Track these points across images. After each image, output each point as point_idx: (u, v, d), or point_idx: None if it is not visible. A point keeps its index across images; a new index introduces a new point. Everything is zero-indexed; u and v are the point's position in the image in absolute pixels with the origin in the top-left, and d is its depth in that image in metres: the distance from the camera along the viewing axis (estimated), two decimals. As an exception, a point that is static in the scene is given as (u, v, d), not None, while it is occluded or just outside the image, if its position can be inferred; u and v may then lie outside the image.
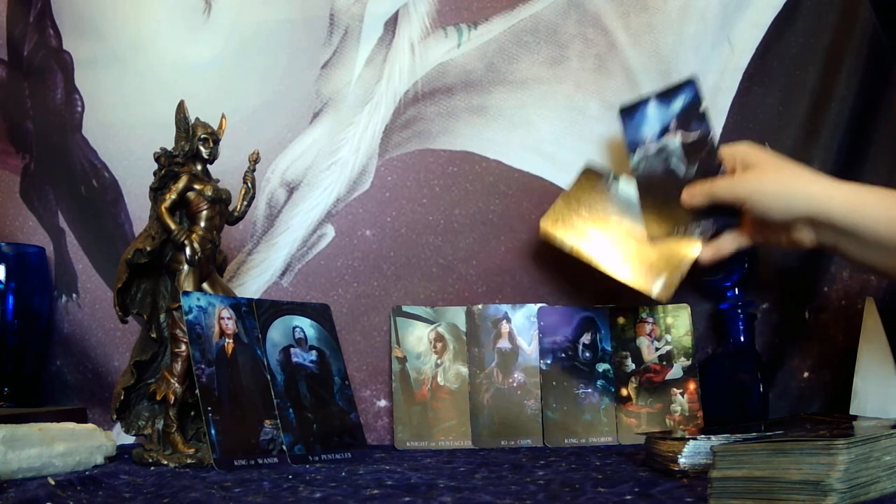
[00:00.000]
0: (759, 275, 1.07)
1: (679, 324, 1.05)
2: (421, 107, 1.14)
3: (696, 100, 0.87)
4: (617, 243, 0.89)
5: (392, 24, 1.15)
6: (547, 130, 1.13)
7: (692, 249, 0.85)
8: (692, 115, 0.86)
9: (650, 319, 1.05)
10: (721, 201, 0.79)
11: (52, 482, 0.70)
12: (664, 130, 0.87)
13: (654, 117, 0.88)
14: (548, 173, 1.12)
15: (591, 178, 0.95)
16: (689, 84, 0.88)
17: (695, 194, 0.80)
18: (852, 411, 0.92)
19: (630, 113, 0.90)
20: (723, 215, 0.81)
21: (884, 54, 1.08)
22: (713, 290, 1.06)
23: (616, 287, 1.10)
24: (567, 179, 1.11)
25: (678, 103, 0.87)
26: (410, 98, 1.14)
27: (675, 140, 0.86)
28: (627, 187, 0.90)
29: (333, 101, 1.15)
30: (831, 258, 1.07)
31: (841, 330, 1.05)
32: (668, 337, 1.04)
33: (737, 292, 1.03)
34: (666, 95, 0.89)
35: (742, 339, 1.02)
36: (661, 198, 0.86)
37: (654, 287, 0.85)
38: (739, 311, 1.02)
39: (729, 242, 0.82)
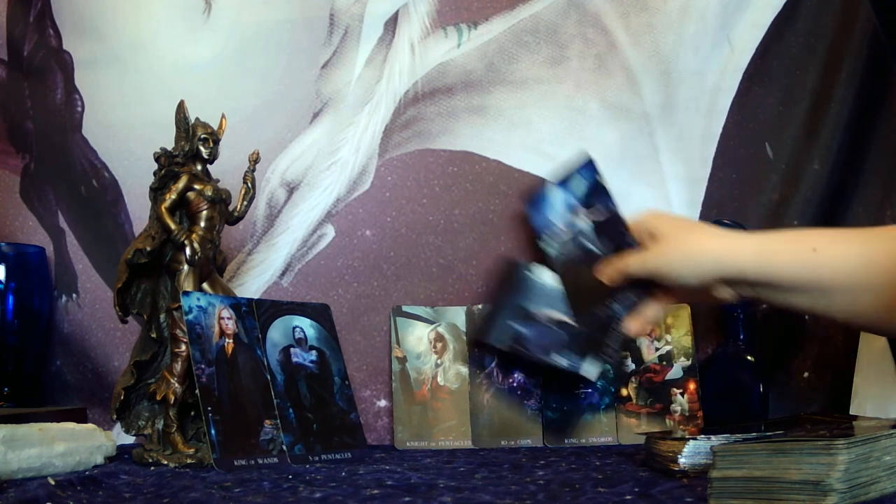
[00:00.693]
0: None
1: (679, 324, 1.05)
2: (421, 107, 1.14)
3: (596, 176, 0.85)
4: (546, 333, 0.83)
5: (392, 24, 1.15)
6: (547, 130, 1.13)
7: (618, 326, 0.81)
8: (594, 192, 0.84)
9: (650, 319, 1.05)
10: (636, 276, 0.78)
11: (52, 482, 0.70)
12: (572, 214, 0.85)
13: (557, 202, 0.85)
14: (548, 173, 1.12)
15: (509, 267, 0.88)
16: (587, 163, 0.86)
17: (609, 273, 0.79)
18: (852, 411, 0.92)
19: (533, 202, 0.86)
20: (642, 286, 0.79)
21: (884, 54, 1.08)
22: (713, 290, 1.06)
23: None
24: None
25: (578, 183, 0.85)
26: (410, 98, 1.14)
27: (583, 222, 0.84)
28: (541, 274, 0.85)
29: (333, 101, 1.15)
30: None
31: (841, 330, 1.05)
32: (668, 337, 1.04)
33: (737, 292, 1.03)
34: (565, 178, 0.86)
35: (742, 339, 1.02)
36: (580, 280, 0.83)
37: (591, 371, 0.80)
38: (739, 311, 1.02)
39: (654, 310, 0.80)
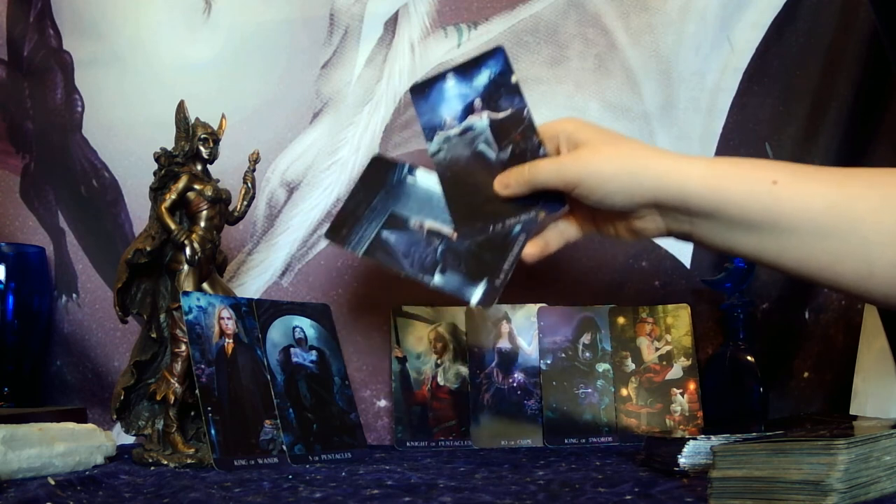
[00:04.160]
0: (759, 275, 1.07)
1: (679, 324, 1.05)
2: (421, 107, 1.14)
3: (504, 71, 0.73)
4: (418, 247, 0.72)
5: (392, 24, 1.15)
6: (547, 130, 1.13)
7: (514, 247, 0.70)
8: (501, 90, 0.72)
9: (650, 319, 1.05)
10: (544, 188, 0.66)
11: (52, 482, 0.70)
12: (468, 110, 0.73)
13: (453, 95, 0.73)
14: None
15: (381, 171, 0.76)
16: (496, 53, 0.73)
17: (510, 182, 0.67)
18: (852, 411, 0.92)
19: (423, 92, 0.73)
20: (547, 203, 0.68)
21: (884, 54, 1.08)
22: (713, 290, 1.06)
23: (616, 287, 1.10)
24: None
25: (482, 77, 0.73)
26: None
27: (481, 120, 0.72)
28: (426, 179, 0.74)
29: (333, 101, 1.15)
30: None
31: (841, 330, 1.05)
32: (668, 337, 1.04)
33: (737, 292, 1.03)
34: (466, 69, 0.73)
35: (742, 339, 1.02)
36: (469, 189, 0.71)
37: (473, 296, 0.69)
38: (739, 311, 1.02)
39: (556, 236, 0.69)
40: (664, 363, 1.04)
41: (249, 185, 0.96)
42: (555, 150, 0.68)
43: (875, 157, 1.10)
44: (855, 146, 1.09)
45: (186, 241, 0.89)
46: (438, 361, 1.05)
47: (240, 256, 1.14)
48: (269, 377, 0.89)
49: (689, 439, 0.72)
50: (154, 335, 0.92)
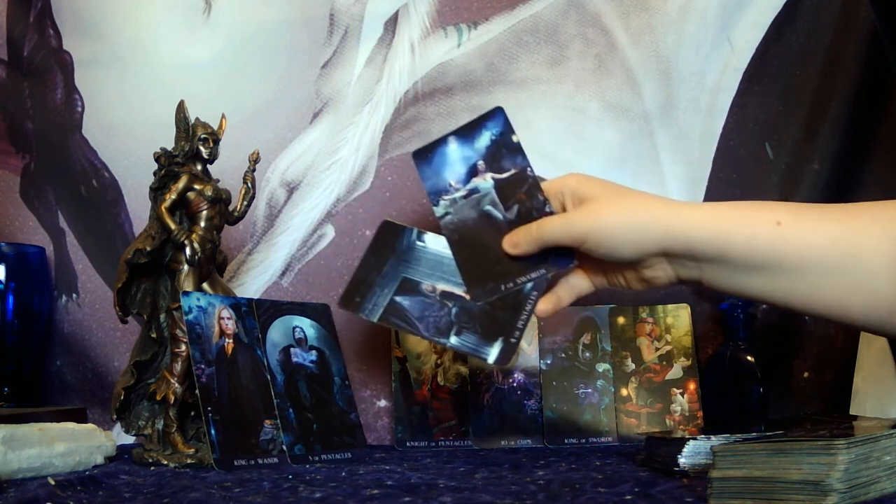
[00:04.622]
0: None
1: (679, 324, 1.05)
2: (421, 107, 1.14)
3: (505, 131, 0.74)
4: (432, 309, 0.73)
5: (392, 24, 1.15)
6: (547, 130, 1.13)
7: (527, 305, 0.71)
8: (503, 150, 0.74)
9: (650, 319, 1.05)
10: (553, 245, 0.67)
11: (52, 482, 0.70)
12: (471, 172, 0.74)
13: (456, 159, 0.74)
14: (548, 173, 1.11)
15: (390, 236, 0.77)
16: (496, 114, 0.75)
17: (518, 241, 0.68)
18: (852, 411, 0.92)
19: (426, 157, 0.74)
20: (557, 260, 0.69)
21: (884, 54, 1.08)
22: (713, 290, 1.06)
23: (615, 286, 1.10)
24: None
25: (484, 139, 0.74)
26: (410, 98, 1.14)
27: (486, 182, 0.73)
28: (436, 243, 0.75)
29: (333, 101, 1.15)
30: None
31: (841, 330, 1.05)
32: (668, 337, 1.04)
33: (737, 292, 1.03)
34: (467, 131, 0.75)
35: (742, 339, 1.02)
36: (478, 250, 0.72)
37: (490, 355, 0.70)
38: (739, 311, 1.02)
39: (568, 291, 0.70)
40: (664, 363, 1.04)
41: (249, 185, 0.96)
42: (560, 206, 0.69)
43: (875, 157, 1.10)
44: (855, 146, 1.09)
45: (186, 241, 0.89)
46: (438, 361, 1.05)
47: (240, 256, 1.14)
48: (269, 377, 0.89)
49: (689, 439, 0.72)
50: (154, 335, 0.92)
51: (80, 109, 1.18)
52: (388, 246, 0.76)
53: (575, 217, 0.66)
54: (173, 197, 0.89)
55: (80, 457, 0.81)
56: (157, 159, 0.91)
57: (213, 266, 0.93)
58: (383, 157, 1.14)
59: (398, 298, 0.73)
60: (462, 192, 0.73)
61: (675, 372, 1.03)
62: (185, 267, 0.90)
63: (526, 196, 0.71)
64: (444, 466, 0.83)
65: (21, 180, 1.19)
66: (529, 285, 0.69)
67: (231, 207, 0.95)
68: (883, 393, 0.90)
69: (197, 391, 0.83)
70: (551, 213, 0.69)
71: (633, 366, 1.04)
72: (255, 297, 1.11)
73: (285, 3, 1.16)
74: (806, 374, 1.07)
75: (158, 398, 0.89)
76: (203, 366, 0.84)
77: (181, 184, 0.90)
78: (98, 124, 1.17)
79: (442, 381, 1.04)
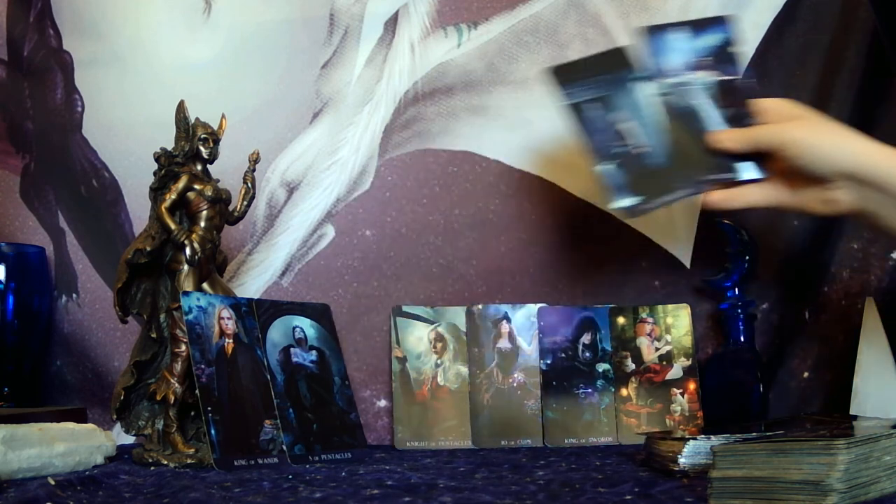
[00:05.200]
0: (759, 275, 1.07)
1: (679, 324, 1.05)
2: (421, 107, 1.14)
3: (734, 39, 0.81)
4: (607, 135, 0.81)
5: (392, 24, 1.15)
6: (547, 130, 1.13)
7: (688, 188, 0.78)
8: (725, 56, 0.81)
9: (650, 319, 1.05)
10: (761, 147, 0.74)
11: (52, 482, 0.70)
12: (694, 64, 0.81)
13: (683, 48, 0.81)
14: (548, 173, 1.12)
15: (623, 61, 0.84)
16: (728, 21, 0.82)
17: (730, 137, 0.75)
18: (852, 411, 0.92)
19: (657, 36, 0.83)
20: (748, 168, 0.76)
21: (884, 54, 1.08)
22: (713, 290, 1.06)
23: (616, 287, 1.10)
24: (567, 179, 1.12)
25: (711, 39, 0.82)
26: (410, 98, 1.14)
27: (706, 77, 0.80)
28: (648, 96, 0.82)
29: (333, 101, 1.15)
30: (831, 257, 1.07)
31: (841, 330, 1.05)
32: (668, 337, 1.04)
33: (737, 292, 1.03)
34: (700, 26, 0.82)
35: (742, 339, 1.02)
36: (684, 137, 0.79)
37: (621, 201, 0.78)
38: (739, 311, 1.02)
39: (752, 194, 0.76)
40: (664, 363, 1.04)
41: (249, 185, 0.96)
42: (764, 122, 0.76)
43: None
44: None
45: (186, 241, 0.89)
46: (438, 361, 1.05)
47: (240, 256, 1.14)
48: (269, 377, 0.89)
49: (689, 439, 0.72)
50: (154, 335, 0.92)
51: (80, 109, 1.18)
52: (618, 64, 0.83)
53: (786, 126, 0.73)
54: (173, 197, 0.89)
55: (80, 457, 0.81)
56: (157, 159, 0.91)
57: (213, 266, 0.93)
58: (383, 157, 1.14)
59: (592, 105, 0.81)
60: (682, 79, 0.80)
61: (675, 372, 1.03)
62: (185, 267, 0.90)
63: (741, 103, 0.77)
64: (444, 466, 0.83)
65: (21, 180, 1.19)
66: (710, 177, 0.76)
67: (231, 207, 0.95)
68: (883, 393, 0.90)
69: (197, 391, 0.83)
70: (754, 122, 0.75)
71: (633, 366, 1.04)
72: (255, 297, 1.11)
73: (285, 3, 1.16)
74: (806, 374, 1.07)
75: (158, 398, 0.89)
76: (203, 366, 0.84)
77: (181, 184, 0.90)
78: (98, 124, 1.17)
79: (442, 381, 1.04)
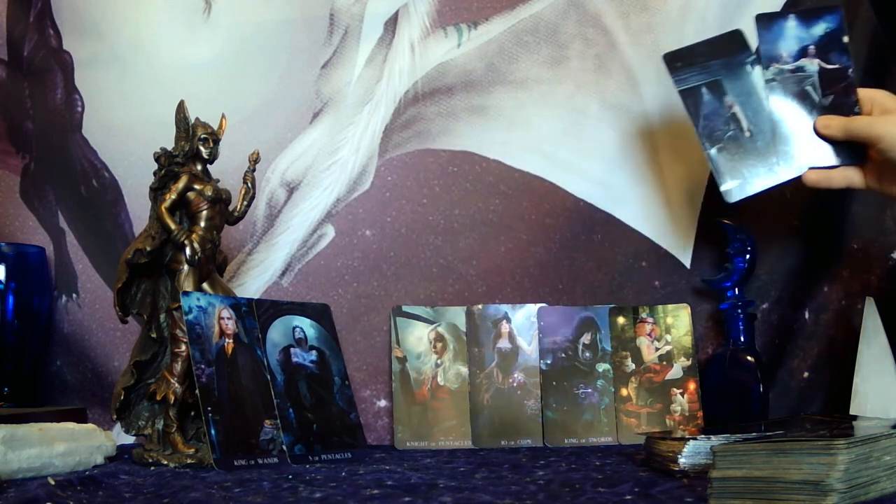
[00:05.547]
0: (759, 275, 1.07)
1: (679, 324, 1.05)
2: (421, 107, 1.14)
3: (839, 28, 0.85)
4: (718, 119, 0.88)
5: (392, 24, 1.15)
6: (547, 130, 1.13)
7: (792, 172, 0.85)
8: (834, 44, 0.85)
9: (650, 319, 1.05)
10: (856, 137, 0.79)
11: (52, 482, 0.70)
12: (802, 52, 0.86)
13: (793, 35, 0.86)
14: (548, 173, 1.12)
15: (736, 44, 0.90)
16: (836, 10, 0.86)
17: (830, 125, 0.80)
18: (852, 411, 0.92)
19: (768, 24, 0.88)
20: (849, 156, 0.82)
21: (884, 54, 1.08)
22: (713, 290, 1.06)
23: (616, 287, 1.10)
24: (567, 179, 1.12)
25: (820, 27, 0.86)
26: (410, 98, 1.14)
27: (813, 65, 0.85)
28: (760, 78, 0.87)
29: (333, 101, 1.15)
30: (830, 258, 1.07)
31: (841, 330, 1.05)
32: (668, 337, 1.04)
33: (737, 292, 1.03)
34: (807, 16, 0.87)
35: (742, 339, 1.02)
36: (788, 121, 0.85)
37: (726, 184, 0.85)
38: (739, 311, 1.02)
39: (843, 177, 0.82)
40: (664, 363, 1.04)
41: (249, 185, 0.96)
42: (868, 111, 0.81)
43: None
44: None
45: (186, 241, 0.89)
46: (438, 361, 1.05)
47: (240, 256, 1.14)
48: (269, 377, 0.89)
49: (689, 439, 0.72)
50: (154, 335, 0.92)
51: (80, 109, 1.18)
52: (730, 49, 0.89)
53: (881, 120, 0.78)
54: (173, 197, 0.89)
55: (80, 457, 0.81)
56: (157, 159, 0.91)
57: (213, 266, 0.93)
58: (383, 157, 1.14)
59: (704, 90, 0.87)
60: (790, 66, 0.86)
61: (675, 372, 1.03)
62: (185, 267, 0.90)
63: (842, 91, 0.82)
64: (444, 466, 0.83)
65: (21, 180, 1.19)
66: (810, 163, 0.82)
67: (231, 207, 0.95)
68: (883, 393, 0.91)
69: (197, 391, 0.83)
70: (859, 114, 0.80)
71: (633, 366, 1.04)
72: (255, 297, 1.11)
73: (285, 3, 1.16)
74: (806, 374, 1.07)
75: (158, 398, 0.89)
76: (203, 366, 0.84)
77: (181, 184, 0.90)
78: (98, 124, 1.17)
79: (442, 381, 1.04)
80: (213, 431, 0.82)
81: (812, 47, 0.86)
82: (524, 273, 1.11)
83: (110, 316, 1.11)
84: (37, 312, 1.11)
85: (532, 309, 1.06)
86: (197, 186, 0.91)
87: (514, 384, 1.04)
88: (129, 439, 1.00)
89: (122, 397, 0.90)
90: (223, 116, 0.94)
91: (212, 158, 0.92)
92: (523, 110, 1.13)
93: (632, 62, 1.12)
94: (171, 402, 0.88)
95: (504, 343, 1.05)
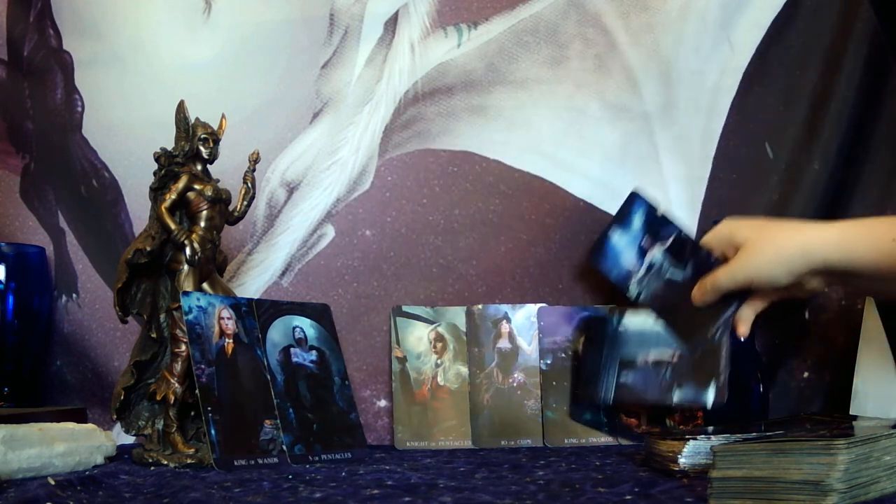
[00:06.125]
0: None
1: (679, 324, 1.05)
2: (421, 107, 1.14)
3: (649, 208, 0.87)
4: (651, 377, 0.91)
5: (392, 24, 1.15)
6: (547, 130, 1.13)
7: (723, 349, 0.85)
8: (656, 223, 0.86)
9: (650, 320, 1.05)
10: (733, 290, 0.79)
11: (52, 482, 0.70)
12: (642, 252, 0.87)
13: (624, 246, 0.87)
14: (548, 173, 1.12)
15: (597, 328, 0.97)
16: (635, 199, 0.88)
17: (704, 294, 0.80)
18: (852, 411, 0.92)
19: (601, 256, 0.89)
20: (735, 298, 0.81)
21: (884, 54, 1.08)
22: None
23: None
24: (567, 179, 1.12)
25: (637, 222, 0.87)
26: (410, 98, 1.14)
27: (657, 254, 0.85)
28: (633, 322, 0.92)
29: (333, 101, 1.15)
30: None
31: (841, 330, 1.05)
32: (668, 337, 1.04)
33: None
34: (621, 220, 0.88)
35: (742, 338, 1.02)
36: (676, 311, 0.85)
37: (708, 400, 0.86)
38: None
39: (750, 312, 0.82)
40: (664, 363, 1.03)
41: (249, 185, 0.96)
42: (722, 253, 0.81)
43: (875, 157, 1.10)
44: (855, 146, 1.09)
45: (186, 241, 0.89)
46: (438, 361, 1.05)
47: (240, 256, 1.14)
48: (269, 377, 0.89)
49: (689, 439, 0.72)
50: (154, 335, 0.92)
51: (80, 109, 1.18)
52: (598, 336, 0.94)
53: (736, 267, 0.78)
54: (173, 197, 0.89)
55: (80, 457, 0.81)
56: (157, 159, 0.91)
57: (213, 266, 0.93)
58: (383, 157, 1.14)
59: (622, 378, 0.90)
60: (642, 271, 0.85)
61: (675, 372, 1.03)
62: (185, 267, 0.90)
63: (692, 253, 0.83)
64: (444, 466, 0.83)
65: (21, 180, 1.19)
66: (721, 329, 0.82)
67: (231, 207, 0.95)
68: (883, 393, 0.91)
69: (197, 391, 0.83)
70: (717, 262, 0.80)
71: (632, 366, 1.04)
72: (255, 297, 1.11)
73: (285, 3, 1.16)
74: (806, 374, 1.07)
75: (158, 398, 0.89)
76: (203, 366, 0.84)
77: (181, 184, 0.90)
78: (98, 124, 1.17)
79: (442, 381, 1.04)
80: (213, 431, 0.82)
81: (644, 240, 0.86)
82: (524, 273, 1.11)
83: (110, 316, 1.11)
84: (37, 312, 1.11)
85: (532, 309, 1.06)
86: (197, 186, 0.91)
87: (514, 384, 1.04)
88: (129, 439, 1.00)
89: (122, 397, 0.90)
90: (223, 116, 0.94)
91: (212, 158, 0.92)
92: (523, 110, 1.13)
93: (632, 62, 1.12)
94: (171, 402, 0.88)
95: (504, 343, 1.05)
